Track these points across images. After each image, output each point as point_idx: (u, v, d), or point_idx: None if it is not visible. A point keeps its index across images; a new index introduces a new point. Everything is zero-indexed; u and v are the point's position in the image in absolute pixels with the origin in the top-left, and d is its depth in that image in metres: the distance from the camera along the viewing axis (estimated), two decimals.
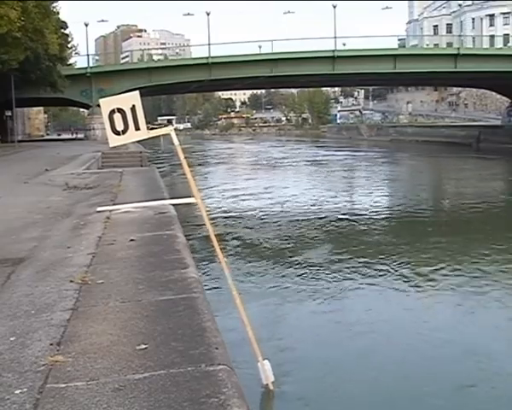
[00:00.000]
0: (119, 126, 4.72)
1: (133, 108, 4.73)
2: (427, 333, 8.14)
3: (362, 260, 12.28)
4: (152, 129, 5.35)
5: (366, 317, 8.82)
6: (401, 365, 7.17)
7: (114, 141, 4.82)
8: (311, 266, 11.75)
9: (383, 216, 18.91)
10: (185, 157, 5.06)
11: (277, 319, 8.72)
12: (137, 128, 4.75)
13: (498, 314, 9.16)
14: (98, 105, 31.75)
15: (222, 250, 5.14)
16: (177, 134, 5.16)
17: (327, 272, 11.42)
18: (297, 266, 11.84)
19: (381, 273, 11.34)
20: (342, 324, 8.64)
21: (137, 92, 4.87)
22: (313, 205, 20.67)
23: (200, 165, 40.36)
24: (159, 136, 5.47)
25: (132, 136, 4.80)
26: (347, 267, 11.71)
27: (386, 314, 9.10)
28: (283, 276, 11.22)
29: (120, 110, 4.71)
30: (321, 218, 17.92)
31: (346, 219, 17.71)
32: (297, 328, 8.52)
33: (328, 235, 15.39)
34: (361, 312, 9.09)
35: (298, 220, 17.62)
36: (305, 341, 7.95)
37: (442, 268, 11.73)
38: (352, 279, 10.89)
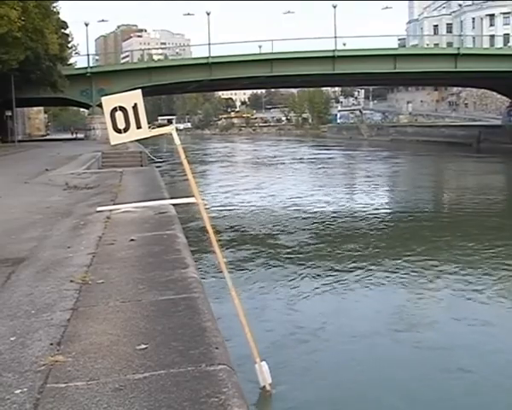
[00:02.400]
0: (121, 125, 4.71)
1: (135, 107, 4.72)
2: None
3: (330, 242, 14.70)
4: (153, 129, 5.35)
5: (328, 286, 10.57)
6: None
7: (115, 139, 4.81)
8: (289, 248, 13.75)
9: (353, 206, 21.30)
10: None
11: (258, 287, 10.60)
12: (139, 127, 4.74)
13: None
14: (98, 105, 31.81)
15: (221, 252, 5.14)
16: (177, 134, 5.15)
17: (301, 252, 13.46)
18: (278, 249, 13.86)
19: (345, 252, 13.38)
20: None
21: (139, 91, 4.86)
22: (297, 198, 22.71)
23: (195, 163, 40.68)
24: (159, 135, 5.45)
25: (134, 134, 4.78)
26: (318, 248, 13.93)
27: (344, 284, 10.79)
28: (266, 256, 13.09)
29: (122, 108, 4.69)
30: (301, 209, 19.97)
31: (322, 208, 20.15)
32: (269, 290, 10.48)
33: (306, 223, 17.33)
34: (324, 280, 10.96)
35: (282, 211, 19.84)
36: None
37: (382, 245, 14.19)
38: (317, 258, 12.89)
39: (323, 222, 17.38)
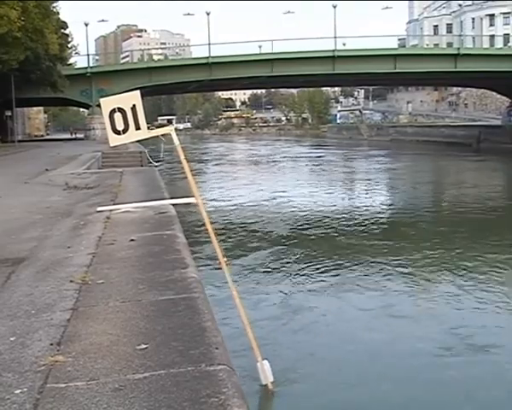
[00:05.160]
0: (120, 126, 4.71)
1: (133, 108, 4.72)
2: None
3: (302, 229, 16.74)
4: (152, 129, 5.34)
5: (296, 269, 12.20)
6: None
7: (115, 140, 4.81)
8: (271, 234, 15.83)
9: (326, 198, 23.70)
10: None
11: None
12: (138, 128, 4.74)
13: None
14: (98, 105, 31.87)
15: (222, 251, 5.14)
16: (176, 134, 5.15)
17: (280, 235, 15.61)
18: (262, 234, 15.93)
19: (316, 235, 15.80)
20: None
21: (138, 92, 4.86)
22: (281, 192, 24.72)
23: (192, 161, 41.06)
24: (159, 135, 5.45)
25: (133, 135, 4.79)
26: (293, 232, 16.19)
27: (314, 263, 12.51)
28: (251, 240, 15.19)
29: (121, 110, 4.70)
30: (284, 201, 22.14)
31: (301, 201, 22.17)
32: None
33: (286, 212, 19.75)
34: (296, 256, 13.09)
35: (268, 203, 21.88)
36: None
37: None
38: (292, 240, 15.08)
39: (300, 212, 19.78)
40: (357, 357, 7.46)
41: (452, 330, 8.33)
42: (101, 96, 5.10)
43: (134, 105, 4.73)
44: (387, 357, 7.53)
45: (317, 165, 40.82)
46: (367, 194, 25.37)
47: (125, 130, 4.72)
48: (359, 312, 9.33)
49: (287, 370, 6.65)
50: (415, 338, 8.06)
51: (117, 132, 4.74)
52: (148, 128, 4.97)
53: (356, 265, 12.23)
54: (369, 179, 31.37)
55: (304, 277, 11.37)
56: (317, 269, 11.88)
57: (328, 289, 10.54)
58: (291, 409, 6.04)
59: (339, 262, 12.47)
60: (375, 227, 16.98)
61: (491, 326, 8.67)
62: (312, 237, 15.60)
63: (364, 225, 17.06)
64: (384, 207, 22.21)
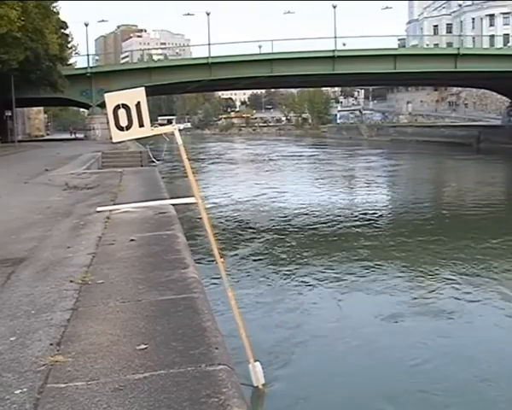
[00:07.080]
0: (123, 122, 4.68)
1: (138, 105, 4.70)
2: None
3: (284, 219, 18.48)
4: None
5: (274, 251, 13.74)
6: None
7: (118, 136, 4.79)
8: (260, 225, 17.13)
9: (311, 189, 25.70)
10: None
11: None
12: (141, 125, 4.72)
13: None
14: (98, 105, 31.87)
15: (220, 253, 5.14)
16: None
17: (264, 224, 17.23)
18: (246, 223, 17.80)
19: (293, 222, 17.88)
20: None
21: (143, 89, 4.82)
22: (270, 188, 26.33)
23: (189, 160, 41.43)
24: (159, 134, 5.44)
25: (136, 132, 4.76)
26: (277, 221, 18.05)
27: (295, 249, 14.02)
28: (240, 226, 17.19)
29: (125, 106, 4.68)
30: (272, 196, 23.68)
31: (286, 197, 23.77)
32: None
33: (272, 203, 21.78)
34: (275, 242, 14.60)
35: (257, 198, 23.31)
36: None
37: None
38: (274, 228, 16.66)
39: (283, 206, 21.38)
40: (338, 326, 8.69)
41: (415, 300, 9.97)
42: (105, 92, 5.08)
43: (139, 102, 4.71)
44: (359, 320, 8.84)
45: (309, 163, 42.12)
46: (351, 190, 26.94)
47: (129, 126, 4.70)
48: (342, 293, 10.31)
49: (278, 341, 7.89)
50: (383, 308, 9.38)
51: (120, 128, 4.71)
52: (152, 126, 4.95)
53: (338, 251, 13.41)
54: (356, 177, 32.24)
55: (290, 263, 12.51)
56: (303, 255, 13.20)
57: (309, 268, 11.85)
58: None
59: (321, 250, 13.78)
60: (356, 218, 18.36)
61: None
62: (297, 226, 17.29)
63: (346, 217, 18.57)
64: (371, 202, 22.86)
